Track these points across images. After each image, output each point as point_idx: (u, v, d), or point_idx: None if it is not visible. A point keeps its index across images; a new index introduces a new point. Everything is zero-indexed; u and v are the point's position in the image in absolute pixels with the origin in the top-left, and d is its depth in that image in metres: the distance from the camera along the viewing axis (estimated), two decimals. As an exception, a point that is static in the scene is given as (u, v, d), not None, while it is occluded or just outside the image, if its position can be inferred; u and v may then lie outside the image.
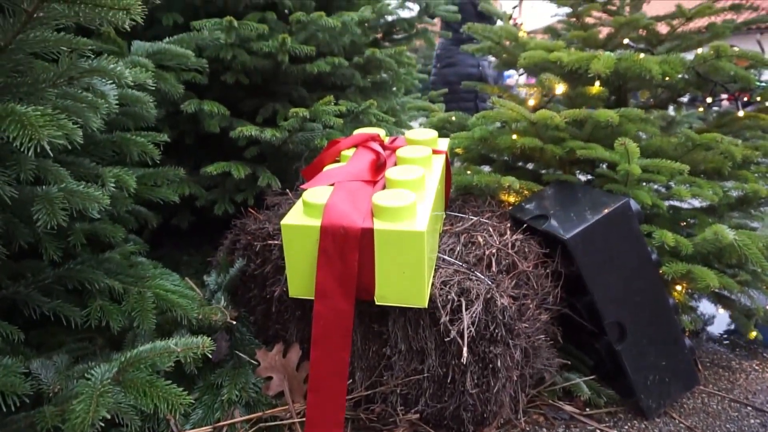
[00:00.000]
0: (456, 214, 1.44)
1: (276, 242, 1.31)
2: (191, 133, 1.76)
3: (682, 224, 1.59)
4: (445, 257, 1.23)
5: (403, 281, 1.06)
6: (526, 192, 1.57)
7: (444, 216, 1.42)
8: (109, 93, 1.00)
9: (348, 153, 1.36)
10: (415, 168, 1.20)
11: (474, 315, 1.10)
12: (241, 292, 1.43)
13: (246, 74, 1.75)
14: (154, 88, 1.22)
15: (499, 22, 2.23)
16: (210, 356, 1.01)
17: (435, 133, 1.42)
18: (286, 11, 1.87)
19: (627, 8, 1.94)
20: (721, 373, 1.55)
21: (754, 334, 1.61)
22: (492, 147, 1.66)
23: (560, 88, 1.64)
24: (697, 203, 1.62)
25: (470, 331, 1.10)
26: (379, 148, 1.34)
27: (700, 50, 1.61)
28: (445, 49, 4.19)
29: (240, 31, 1.61)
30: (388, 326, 1.18)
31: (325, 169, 1.27)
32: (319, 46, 1.79)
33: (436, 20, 2.60)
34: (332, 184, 1.16)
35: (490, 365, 1.14)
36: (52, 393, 0.92)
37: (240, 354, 1.29)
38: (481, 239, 1.30)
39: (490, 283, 1.15)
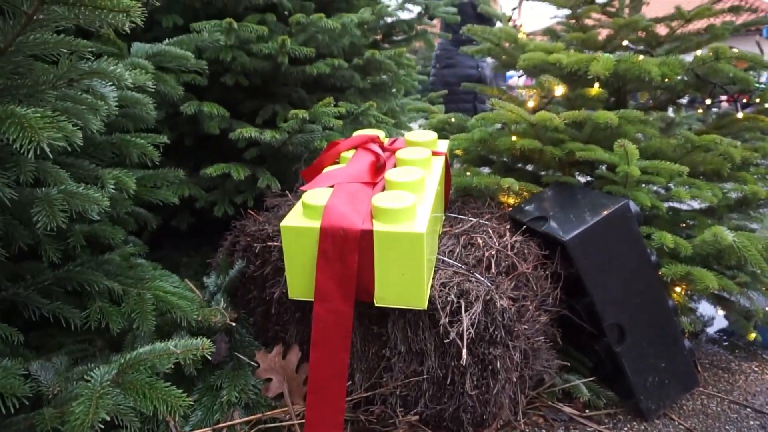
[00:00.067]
0: (455, 215, 1.44)
1: (275, 244, 1.31)
2: (191, 135, 1.76)
3: (681, 226, 1.59)
4: (445, 259, 1.23)
5: (403, 283, 1.06)
6: (525, 193, 1.57)
7: (443, 217, 1.42)
8: (109, 95, 1.00)
9: (347, 154, 1.36)
10: (414, 169, 1.20)
11: (473, 316, 1.10)
12: (241, 294, 1.42)
13: (246, 76, 1.75)
14: (153, 90, 1.22)
15: (498, 24, 2.23)
16: (209, 358, 1.01)
17: (434, 134, 1.42)
18: (285, 13, 1.87)
19: (626, 10, 1.94)
20: (720, 374, 1.55)
21: (753, 335, 1.61)
22: (491, 148, 1.66)
23: (559, 90, 1.64)
24: (696, 205, 1.62)
25: (470, 332, 1.10)
26: (379, 150, 1.34)
27: (699, 52, 1.61)
28: (445, 50, 4.20)
29: (240, 32, 1.61)
30: (387, 328, 1.18)
31: (325, 170, 1.28)
32: (319, 47, 1.80)
33: (436, 21, 2.60)
34: (332, 186, 1.16)
35: (490, 367, 1.14)
36: (51, 395, 0.92)
37: (239, 356, 1.29)
38: (480, 241, 1.30)
39: (489, 284, 1.15)
